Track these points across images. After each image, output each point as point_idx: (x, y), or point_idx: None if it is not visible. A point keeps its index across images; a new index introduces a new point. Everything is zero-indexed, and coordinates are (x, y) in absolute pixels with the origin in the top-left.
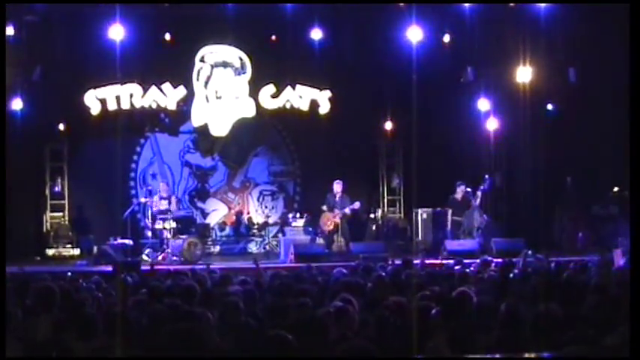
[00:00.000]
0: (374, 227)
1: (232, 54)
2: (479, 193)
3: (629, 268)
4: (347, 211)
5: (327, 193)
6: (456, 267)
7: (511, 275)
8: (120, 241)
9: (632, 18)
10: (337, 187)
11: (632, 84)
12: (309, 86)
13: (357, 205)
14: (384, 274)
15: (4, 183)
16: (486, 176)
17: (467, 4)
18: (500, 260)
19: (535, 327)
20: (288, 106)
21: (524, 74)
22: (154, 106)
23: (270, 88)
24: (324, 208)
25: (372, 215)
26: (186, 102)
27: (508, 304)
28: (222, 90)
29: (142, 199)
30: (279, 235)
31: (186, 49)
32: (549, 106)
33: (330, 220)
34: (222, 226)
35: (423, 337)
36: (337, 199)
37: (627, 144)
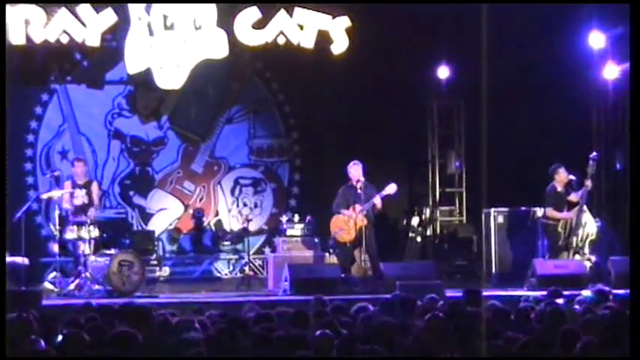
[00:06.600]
0: (419, 238)
1: None
2: (588, 183)
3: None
4: (376, 201)
5: (342, 185)
6: (556, 300)
7: None
8: (9, 259)
9: (632, 18)
10: (355, 171)
11: (632, 84)
12: (316, 10)
13: (392, 188)
14: (438, 312)
15: (4, 183)
16: (593, 154)
17: None
18: (622, 292)
19: None
20: (281, 41)
21: None
22: (65, 40)
23: (253, 13)
24: (337, 207)
25: (414, 219)
26: (117, 35)
27: None
28: (175, 15)
29: (45, 194)
30: (266, 249)
31: None
32: None
33: (346, 224)
34: (174, 235)
35: None
36: (359, 190)
37: None
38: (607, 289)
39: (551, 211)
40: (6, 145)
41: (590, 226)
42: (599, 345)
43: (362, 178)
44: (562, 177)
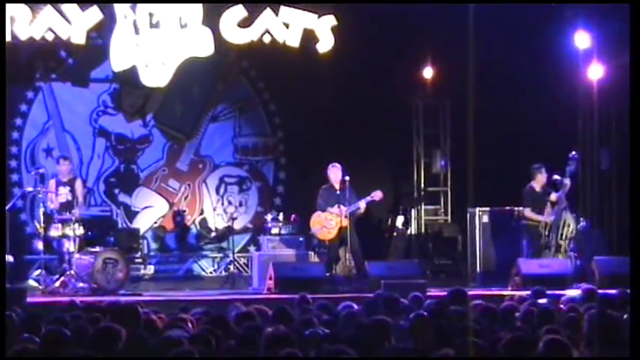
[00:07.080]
0: (403, 237)
1: None
2: (567, 182)
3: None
4: (361, 205)
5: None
6: (539, 301)
7: (626, 316)
8: None
9: (632, 18)
10: (333, 174)
11: (632, 84)
12: (301, 9)
13: (377, 195)
14: (422, 312)
15: (4, 182)
16: (573, 153)
17: None
18: (607, 291)
19: None
20: (266, 40)
21: None
22: (50, 37)
23: (239, 12)
24: (321, 206)
25: (399, 219)
26: (103, 32)
27: None
28: (161, 14)
29: (30, 189)
30: (251, 248)
31: None
32: None
33: (327, 222)
34: (159, 233)
35: None
36: (338, 192)
37: None
38: (592, 287)
39: (529, 212)
40: (5, 145)
41: (570, 224)
42: (585, 345)
43: (347, 178)
44: (541, 178)
